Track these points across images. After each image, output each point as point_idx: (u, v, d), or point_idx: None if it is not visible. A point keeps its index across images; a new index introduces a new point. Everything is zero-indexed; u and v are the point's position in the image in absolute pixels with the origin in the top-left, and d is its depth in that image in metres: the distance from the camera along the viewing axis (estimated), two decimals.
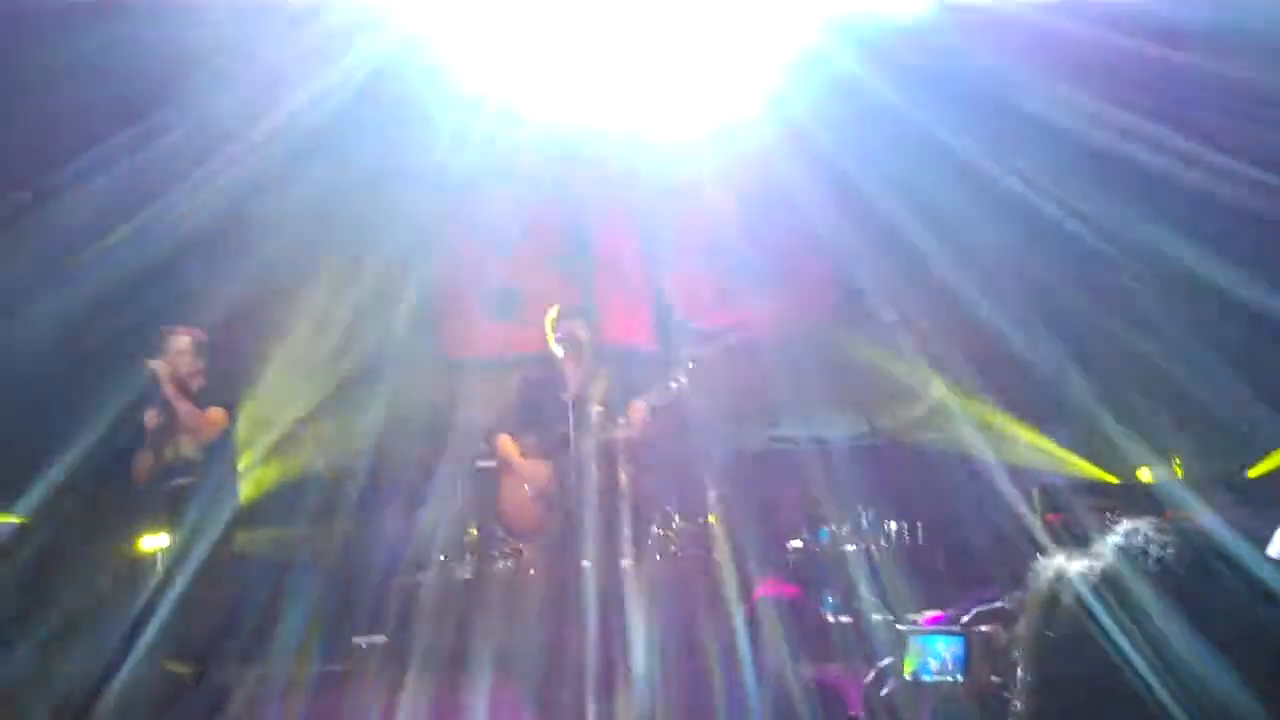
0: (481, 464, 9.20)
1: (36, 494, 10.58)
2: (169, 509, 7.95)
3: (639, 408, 7.22)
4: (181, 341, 8.14)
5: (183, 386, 8.11)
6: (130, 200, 9.80)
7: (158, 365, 7.99)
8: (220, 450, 8.13)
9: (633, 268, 12.27)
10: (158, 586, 8.87)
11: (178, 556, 7.96)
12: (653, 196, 11.92)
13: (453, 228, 11.78)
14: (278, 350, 10.50)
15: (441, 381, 12.14)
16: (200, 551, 7.85)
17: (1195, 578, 1.57)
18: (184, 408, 8.04)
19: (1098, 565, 1.59)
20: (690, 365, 7.36)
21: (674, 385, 7.26)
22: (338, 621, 11.54)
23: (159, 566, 9.13)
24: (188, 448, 8.00)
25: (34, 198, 9.48)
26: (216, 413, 8.10)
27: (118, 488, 10.94)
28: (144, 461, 7.98)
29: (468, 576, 10.15)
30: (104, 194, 9.83)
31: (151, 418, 7.93)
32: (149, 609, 8.89)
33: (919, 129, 9.59)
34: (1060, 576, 1.61)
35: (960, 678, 2.28)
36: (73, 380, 10.15)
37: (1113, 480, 10.19)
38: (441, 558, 10.62)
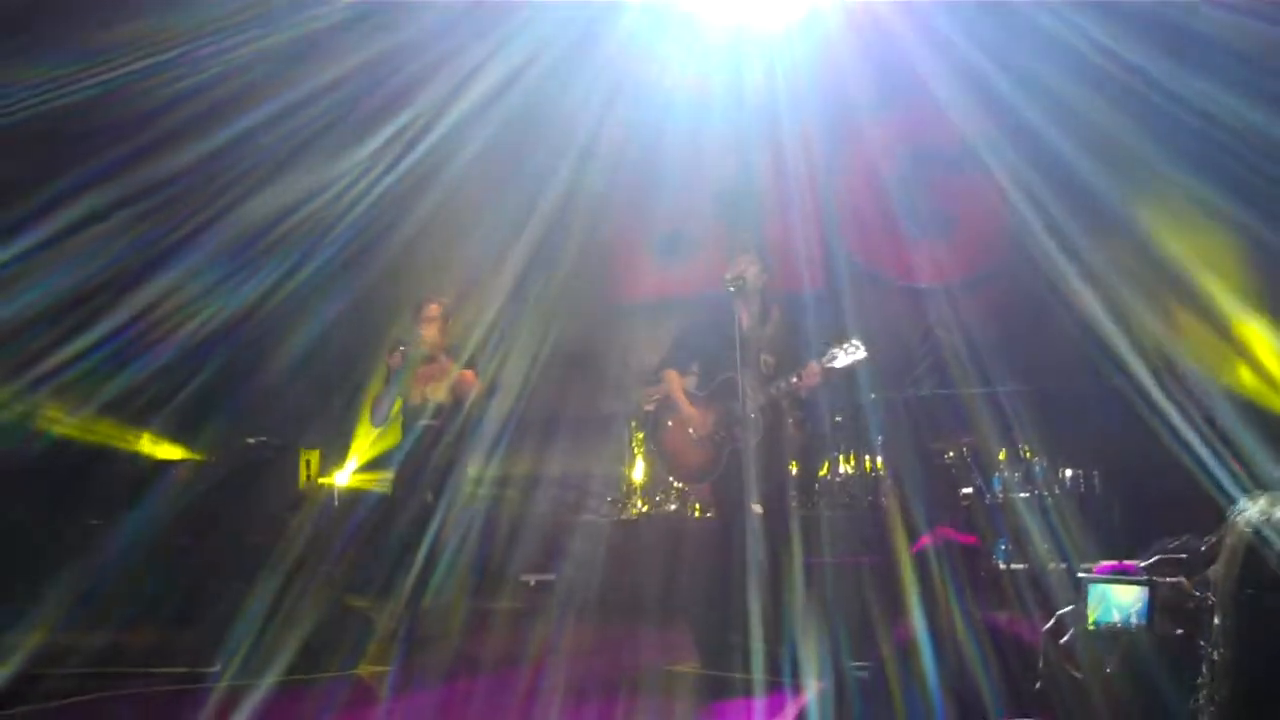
0: (649, 407, 9.25)
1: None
2: (411, 454, 8.33)
3: (814, 369, 7.14)
4: (433, 309, 8.57)
5: (437, 345, 8.54)
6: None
7: (422, 326, 8.45)
8: (463, 404, 8.51)
9: (801, 208, 12.13)
10: (336, 522, 9.16)
11: (394, 493, 8.31)
12: (818, 134, 11.78)
13: (617, 170, 11.82)
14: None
15: (610, 324, 12.23)
16: (416, 496, 8.21)
17: None
18: (444, 361, 8.50)
19: None
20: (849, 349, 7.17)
21: (853, 348, 7.13)
22: (508, 560, 11.81)
23: (335, 503, 9.45)
24: (439, 394, 8.40)
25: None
26: (470, 372, 8.54)
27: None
28: (383, 399, 8.44)
29: (634, 517, 10.25)
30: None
31: (397, 359, 8.32)
32: (327, 544, 9.19)
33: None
34: (1260, 525, 1.52)
35: (1144, 627, 2.20)
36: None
37: None
38: (609, 498, 10.74)
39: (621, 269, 12.56)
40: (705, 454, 7.30)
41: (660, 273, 12.36)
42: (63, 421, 10.67)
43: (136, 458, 11.24)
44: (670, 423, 7.52)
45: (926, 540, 3.79)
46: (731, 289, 7.22)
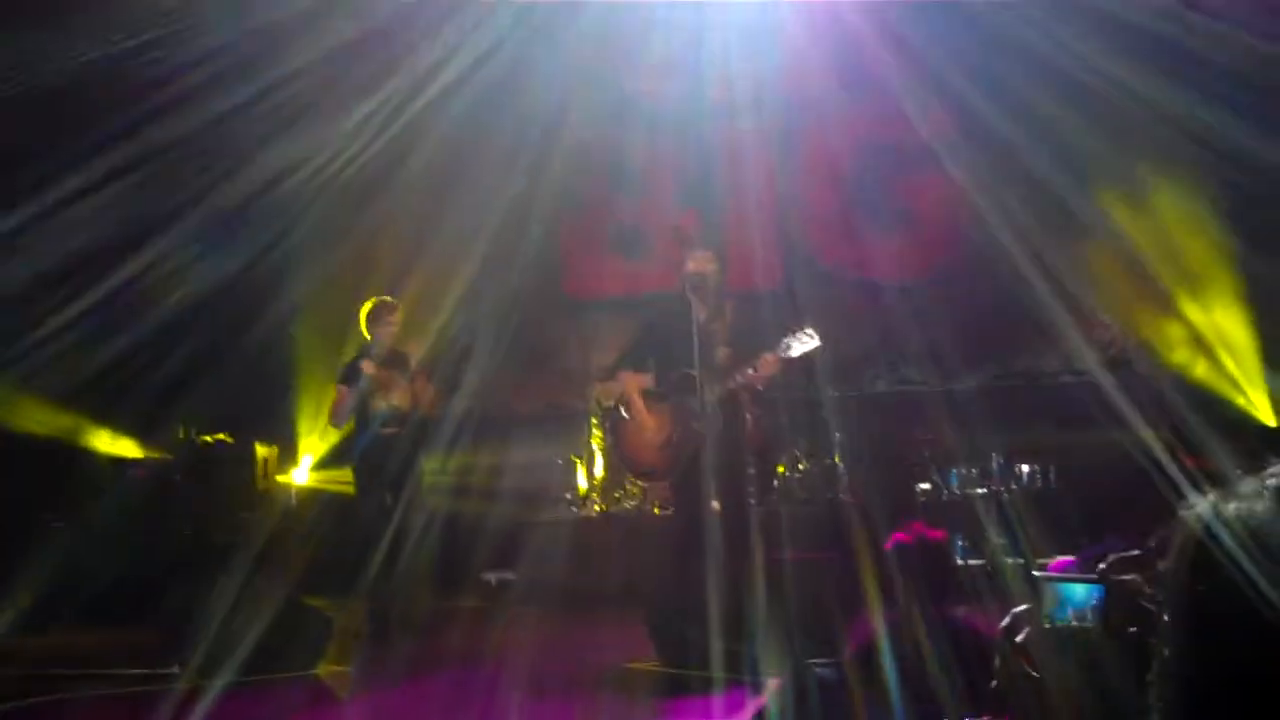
0: (608, 403, 9.27)
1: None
2: (368, 456, 8.35)
3: (770, 360, 7.15)
4: (397, 312, 8.63)
5: (395, 346, 8.66)
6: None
7: (380, 328, 8.59)
8: (418, 410, 8.58)
9: (759, 206, 12.16)
10: (294, 523, 9.13)
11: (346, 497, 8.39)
12: (778, 131, 11.81)
13: (576, 166, 11.83)
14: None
15: (567, 321, 12.23)
16: (374, 496, 8.28)
17: None
18: (407, 368, 8.55)
19: (1257, 509, 1.51)
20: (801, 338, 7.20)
21: (807, 337, 7.15)
22: (468, 558, 11.79)
23: (293, 502, 9.41)
24: (401, 401, 8.44)
25: None
26: (425, 378, 8.63)
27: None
28: (345, 403, 8.48)
29: (593, 515, 10.26)
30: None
31: (368, 366, 8.38)
32: (285, 545, 9.15)
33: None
34: (1210, 521, 1.53)
35: (1099, 625, 2.23)
36: None
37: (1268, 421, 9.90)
38: (567, 496, 10.74)
39: (579, 266, 12.56)
40: (663, 452, 7.31)
41: (618, 270, 12.37)
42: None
43: (95, 456, 11.16)
44: (628, 421, 7.52)
45: (901, 536, 3.81)
46: (689, 286, 7.24)
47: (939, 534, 4.05)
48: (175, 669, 6.56)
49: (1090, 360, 11.03)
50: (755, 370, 7.21)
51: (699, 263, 7.32)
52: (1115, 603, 2.18)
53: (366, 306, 8.72)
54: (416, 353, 9.10)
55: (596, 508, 10.38)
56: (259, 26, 9.39)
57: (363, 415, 8.52)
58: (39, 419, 10.83)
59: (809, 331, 7.20)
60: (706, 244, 7.71)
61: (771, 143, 11.95)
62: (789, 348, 7.21)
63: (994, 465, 9.01)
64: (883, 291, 11.69)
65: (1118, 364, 10.99)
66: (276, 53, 9.63)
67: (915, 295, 11.63)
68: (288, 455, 11.23)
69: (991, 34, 10.07)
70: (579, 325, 11.50)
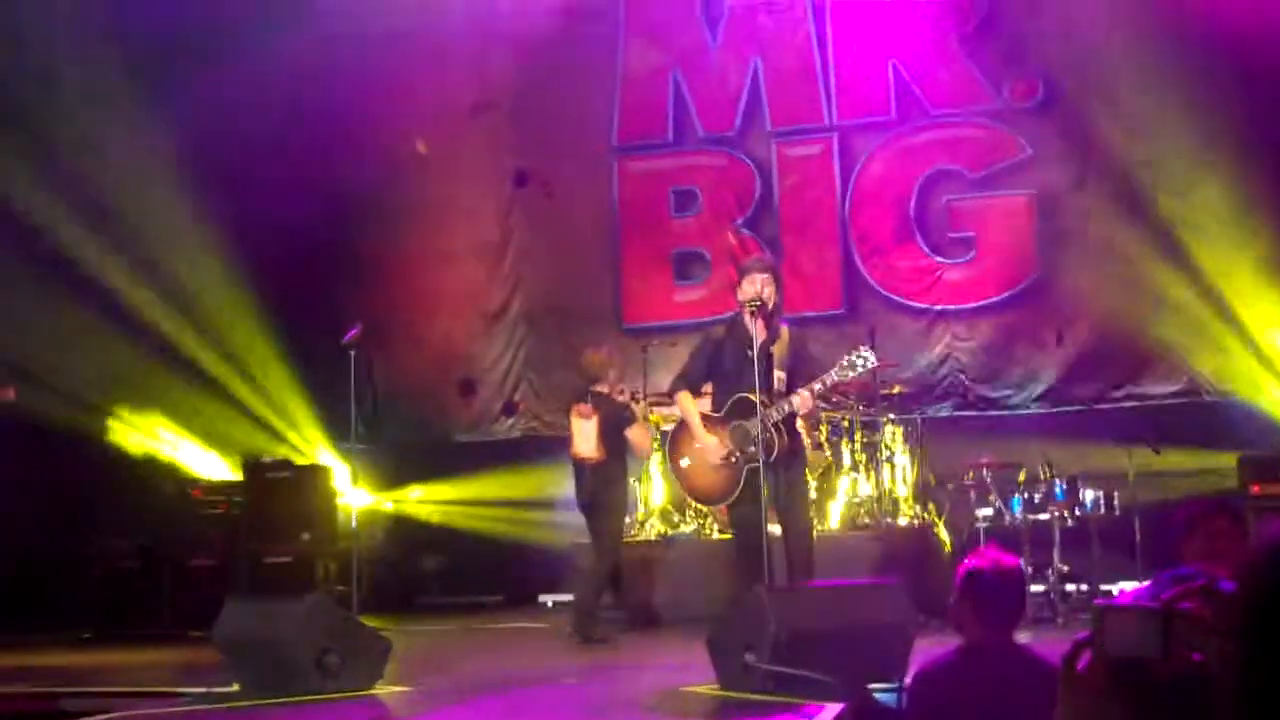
0: (665, 428, 9.26)
1: None
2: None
3: (828, 382, 7.15)
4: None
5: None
6: None
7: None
8: None
9: (819, 227, 12.14)
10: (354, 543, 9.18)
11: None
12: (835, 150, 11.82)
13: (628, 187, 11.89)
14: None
15: (625, 343, 12.23)
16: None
17: None
18: None
19: None
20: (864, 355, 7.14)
21: (865, 358, 7.11)
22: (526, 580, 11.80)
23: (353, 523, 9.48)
24: None
25: None
26: None
27: None
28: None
29: (652, 538, 10.23)
30: None
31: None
32: (345, 563, 9.19)
33: None
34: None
35: (1161, 654, 2.18)
36: None
37: None
38: (627, 520, 10.72)
39: (636, 288, 12.56)
40: (722, 475, 7.28)
41: (677, 293, 12.38)
42: None
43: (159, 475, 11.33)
44: (686, 445, 7.50)
45: (973, 562, 3.76)
46: (750, 309, 7.22)
47: (1013, 560, 3.99)
48: (235, 688, 6.61)
49: (1157, 385, 10.91)
50: (814, 393, 7.18)
51: (759, 285, 7.29)
52: (1178, 631, 2.13)
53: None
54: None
55: (655, 530, 10.36)
56: None
57: None
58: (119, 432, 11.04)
59: (864, 353, 7.16)
60: (763, 266, 7.67)
61: (832, 162, 11.95)
62: (849, 368, 7.18)
63: (1058, 490, 8.88)
64: (943, 314, 11.63)
65: (1187, 390, 10.86)
66: None
67: (977, 318, 11.57)
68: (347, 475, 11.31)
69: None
70: (636, 347, 11.51)
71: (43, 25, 11.10)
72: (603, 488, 8.54)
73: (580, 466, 8.73)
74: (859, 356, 7.14)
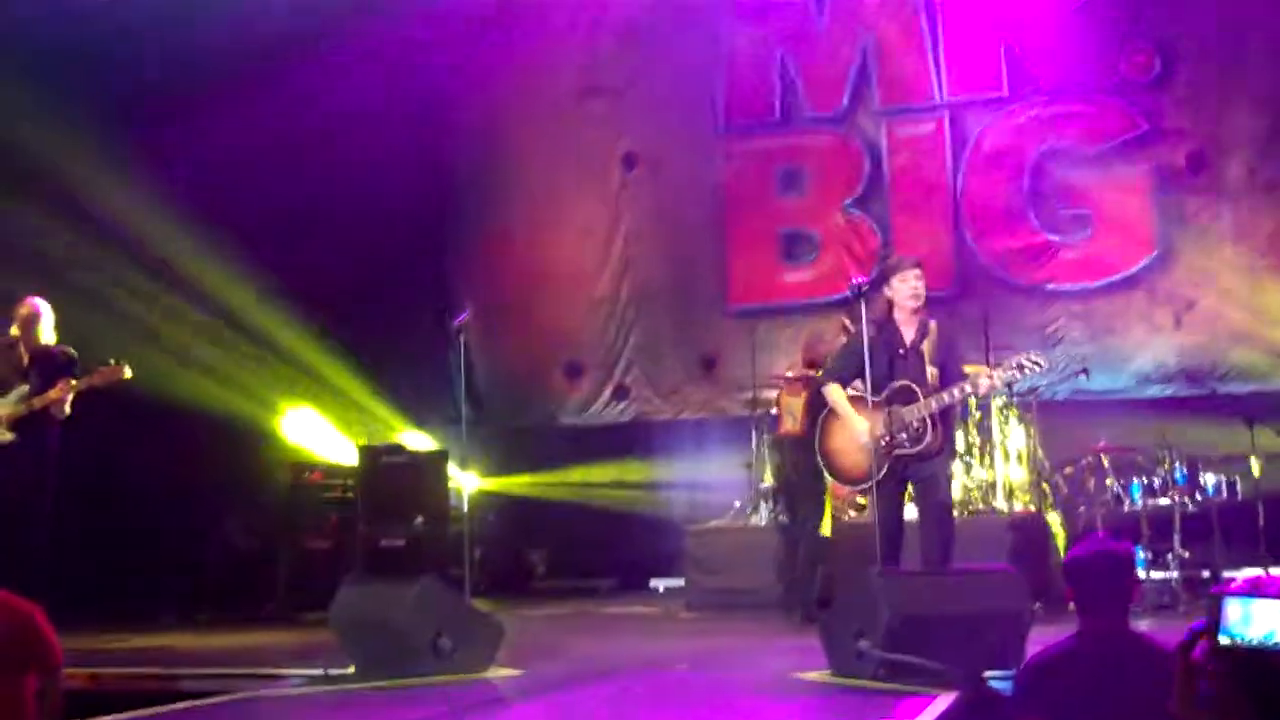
0: (775, 411, 9.23)
1: None
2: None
3: (990, 377, 7.05)
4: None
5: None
6: None
7: None
8: None
9: (930, 206, 11.96)
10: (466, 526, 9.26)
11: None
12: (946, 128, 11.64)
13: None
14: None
15: (734, 326, 12.19)
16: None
17: None
18: None
19: None
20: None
21: (1030, 365, 6.96)
22: (637, 565, 11.82)
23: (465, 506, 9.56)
24: None
25: None
26: None
27: None
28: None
29: (760, 523, 10.16)
30: None
31: None
32: (457, 549, 9.28)
33: None
34: None
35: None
36: None
37: None
38: (736, 504, 10.68)
39: (744, 270, 12.50)
40: (869, 457, 7.15)
41: (783, 273, 12.31)
42: None
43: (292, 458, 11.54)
44: (836, 429, 7.40)
45: (1084, 548, 3.69)
46: (910, 303, 7.10)
47: (1124, 546, 3.89)
48: (350, 669, 6.71)
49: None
50: (974, 388, 7.09)
51: (910, 281, 7.15)
52: None
53: None
54: None
55: (761, 516, 10.27)
56: None
57: None
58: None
59: (1036, 359, 7.00)
60: (915, 262, 7.45)
61: (944, 140, 11.78)
62: (1015, 374, 7.07)
63: (1178, 475, 8.66)
64: (1057, 294, 11.41)
65: None
66: None
67: (1092, 298, 11.34)
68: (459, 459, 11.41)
69: None
70: (745, 331, 11.45)
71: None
72: (806, 465, 8.47)
73: (781, 446, 8.92)
74: (1031, 362, 6.99)
